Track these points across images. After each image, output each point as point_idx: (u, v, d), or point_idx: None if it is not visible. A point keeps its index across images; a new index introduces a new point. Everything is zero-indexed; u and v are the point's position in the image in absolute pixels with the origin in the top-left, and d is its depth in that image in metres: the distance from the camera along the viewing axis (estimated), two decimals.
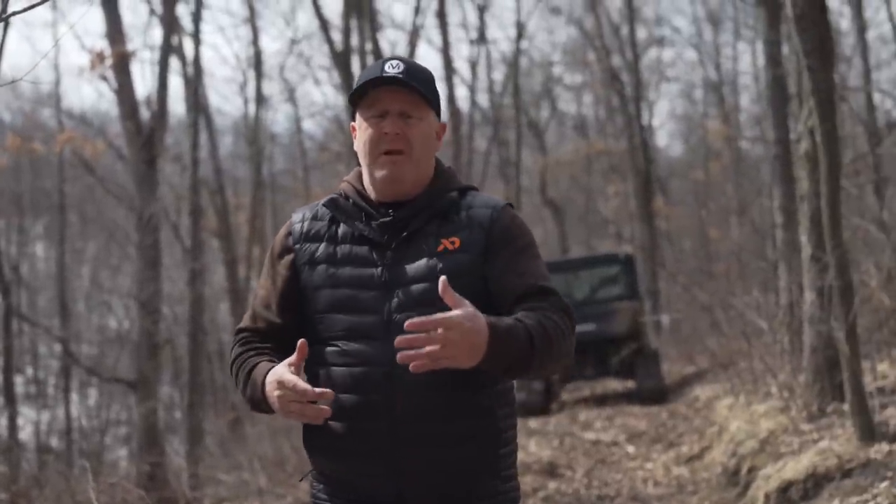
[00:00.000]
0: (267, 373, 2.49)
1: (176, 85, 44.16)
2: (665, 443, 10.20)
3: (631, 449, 10.12)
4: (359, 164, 2.71)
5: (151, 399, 17.38)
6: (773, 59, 9.77)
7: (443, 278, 2.27)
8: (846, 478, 5.66)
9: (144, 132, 17.87)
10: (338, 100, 25.28)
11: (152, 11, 21.25)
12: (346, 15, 19.12)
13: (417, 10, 21.63)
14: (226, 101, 52.08)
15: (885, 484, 5.26)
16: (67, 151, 22.17)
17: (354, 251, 2.57)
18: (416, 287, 2.49)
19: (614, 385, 16.21)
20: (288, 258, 2.65)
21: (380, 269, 2.53)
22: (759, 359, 9.47)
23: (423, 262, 2.51)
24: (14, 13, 2.68)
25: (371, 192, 2.63)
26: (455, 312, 2.23)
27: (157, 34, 40.22)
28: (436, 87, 2.66)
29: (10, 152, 20.24)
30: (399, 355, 2.21)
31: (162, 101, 18.75)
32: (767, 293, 11.31)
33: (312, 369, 2.54)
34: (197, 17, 21.70)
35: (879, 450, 5.77)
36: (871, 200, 10.01)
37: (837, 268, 5.96)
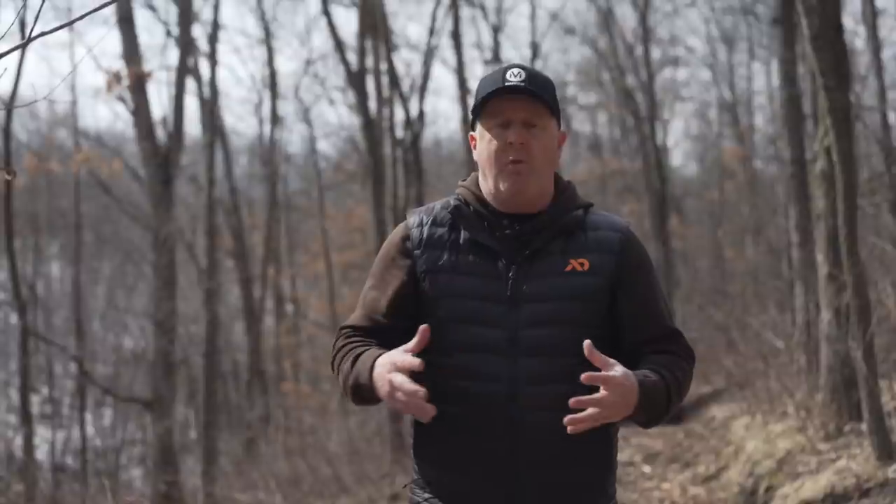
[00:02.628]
0: (376, 357, 2.42)
1: (191, 105, 44.32)
2: (681, 463, 10.17)
3: (647, 469, 10.08)
4: (475, 172, 2.68)
5: (167, 418, 17.40)
6: (789, 78, 9.78)
7: (587, 342, 2.31)
8: (864, 497, 5.64)
9: (161, 152, 17.96)
10: (352, 120, 25.37)
11: (168, 33, 21.39)
12: (361, 35, 19.20)
13: (432, 31, 21.63)
14: (241, 120, 52.31)
15: None
16: (84, 171, 22.28)
17: (478, 262, 2.51)
18: (545, 305, 2.46)
19: None
20: (406, 263, 2.57)
21: (506, 283, 2.48)
22: (776, 378, 9.44)
23: (551, 279, 2.49)
24: (35, 37, 2.70)
25: (491, 200, 2.57)
26: (614, 373, 2.30)
27: (173, 55, 40.36)
28: (556, 96, 2.62)
29: (27, 172, 20.33)
30: (566, 419, 2.28)
31: (178, 121, 18.85)
32: (783, 312, 11.28)
33: (427, 380, 2.42)
34: (213, 39, 21.87)
35: None
36: (887, 219, 9.97)
37: (855, 287, 5.95)
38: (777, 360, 10.12)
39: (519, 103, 2.51)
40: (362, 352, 2.50)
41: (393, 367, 2.35)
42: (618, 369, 2.31)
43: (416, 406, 2.33)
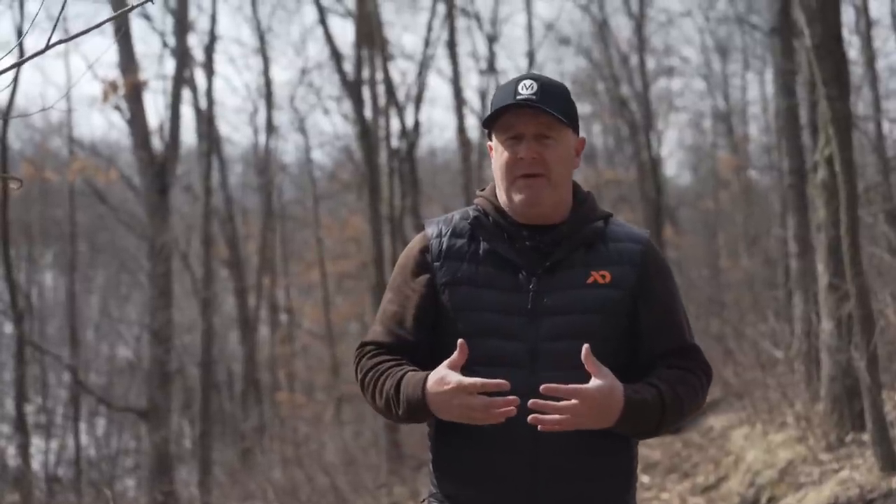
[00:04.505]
0: (426, 376, 2.37)
1: (187, 114, 44.27)
2: (680, 473, 10.15)
3: (646, 479, 10.06)
4: (493, 182, 2.65)
5: (163, 428, 17.37)
6: (787, 88, 9.79)
7: (586, 346, 2.31)
8: None
9: (157, 162, 17.96)
10: (347, 129, 25.34)
11: (164, 43, 21.37)
12: (358, 45, 19.20)
13: (428, 41, 21.64)
14: (235, 130, 52.08)
15: None
16: (79, 180, 22.25)
17: (498, 274, 2.48)
18: (566, 318, 2.44)
19: None
20: (425, 276, 2.53)
21: (527, 295, 2.45)
22: (775, 388, 9.43)
23: (572, 292, 2.46)
24: (35, 54, 2.68)
25: (509, 211, 2.55)
26: (591, 386, 2.29)
27: (169, 65, 40.26)
28: (572, 103, 2.58)
29: (22, 181, 20.28)
30: (530, 417, 2.27)
31: (174, 130, 18.86)
32: (780, 322, 11.28)
33: None
34: (209, 49, 21.85)
35: None
36: (884, 229, 9.99)
37: (858, 296, 5.95)
38: (775, 370, 10.10)
39: (529, 117, 2.50)
40: (406, 371, 2.46)
41: (458, 386, 2.31)
42: (601, 382, 2.31)
43: (494, 414, 2.31)
